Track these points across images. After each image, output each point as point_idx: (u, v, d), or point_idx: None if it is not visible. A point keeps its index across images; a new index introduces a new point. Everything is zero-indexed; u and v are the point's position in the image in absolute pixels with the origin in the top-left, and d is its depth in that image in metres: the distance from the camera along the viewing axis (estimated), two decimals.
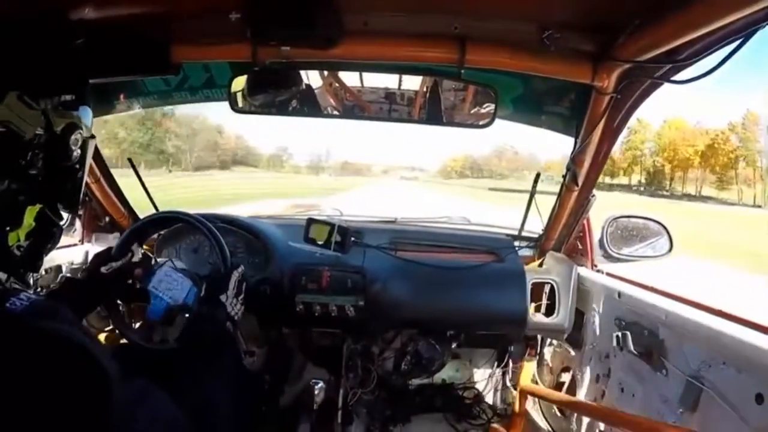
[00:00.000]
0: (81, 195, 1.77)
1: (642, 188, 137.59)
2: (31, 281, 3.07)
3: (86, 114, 1.68)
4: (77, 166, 1.66)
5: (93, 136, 1.74)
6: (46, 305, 1.31)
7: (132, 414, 1.22)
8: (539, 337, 3.87)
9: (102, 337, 3.36)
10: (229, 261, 2.80)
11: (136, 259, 2.80)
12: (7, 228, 1.47)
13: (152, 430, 1.31)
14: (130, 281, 2.73)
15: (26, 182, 1.47)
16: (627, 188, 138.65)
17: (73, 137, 1.60)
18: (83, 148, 1.66)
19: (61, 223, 1.70)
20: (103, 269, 2.61)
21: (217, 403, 1.75)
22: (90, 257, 3.42)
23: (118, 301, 2.93)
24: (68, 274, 3.44)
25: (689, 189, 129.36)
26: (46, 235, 1.64)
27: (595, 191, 3.15)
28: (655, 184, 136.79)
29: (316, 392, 3.43)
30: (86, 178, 3.11)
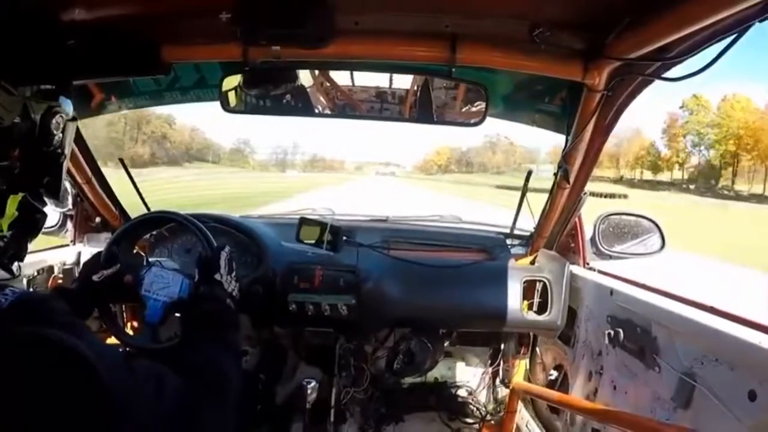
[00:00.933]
0: (63, 180, 1.75)
1: (696, 186, 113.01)
2: (25, 282, 3.08)
3: (66, 104, 1.66)
4: (59, 150, 1.64)
5: (74, 119, 1.72)
6: (34, 300, 1.29)
7: (135, 399, 1.22)
8: (531, 335, 3.89)
9: None
10: (214, 243, 2.80)
11: (124, 265, 2.79)
12: None
13: (162, 402, 1.32)
14: (122, 288, 2.73)
15: (7, 170, 1.44)
16: (675, 186, 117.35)
17: (54, 121, 1.57)
18: (64, 131, 1.64)
19: (45, 209, 1.68)
20: (94, 277, 2.60)
21: (231, 377, 1.75)
22: (82, 257, 3.44)
23: (113, 308, 2.92)
24: (60, 275, 3.45)
25: (747, 186, 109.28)
26: (30, 224, 1.62)
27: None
28: (718, 180, 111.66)
29: (309, 392, 3.42)
30: (77, 178, 3.12)
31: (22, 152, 1.48)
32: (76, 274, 3.39)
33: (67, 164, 1.74)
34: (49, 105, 1.57)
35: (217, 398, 1.61)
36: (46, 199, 1.65)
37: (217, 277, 2.49)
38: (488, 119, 2.91)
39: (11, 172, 1.45)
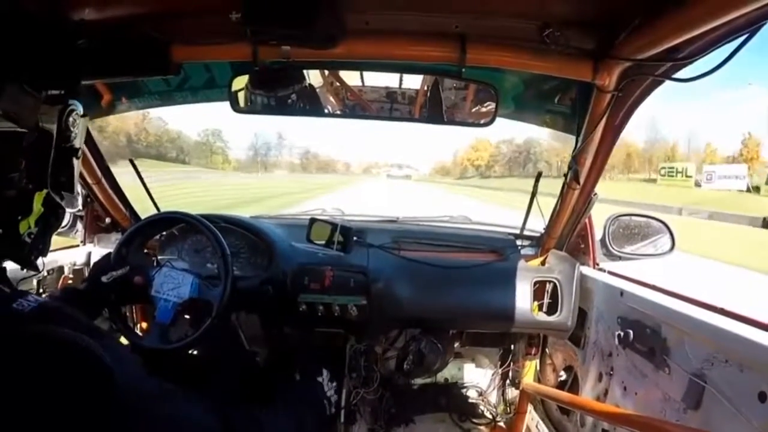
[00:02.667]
0: (77, 175, 1.77)
1: None
2: (35, 282, 3.10)
3: (77, 106, 1.68)
4: (75, 146, 1.68)
5: (85, 115, 1.74)
6: (54, 307, 1.31)
7: (147, 411, 1.23)
8: (542, 335, 3.89)
9: None
10: (230, 260, 2.80)
11: (134, 265, 2.80)
12: (19, 217, 1.48)
13: (174, 429, 1.32)
14: (132, 289, 2.75)
15: (32, 169, 1.49)
16: None
17: (71, 118, 1.62)
18: (78, 128, 1.67)
19: (63, 203, 1.70)
20: (103, 278, 2.62)
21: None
22: (92, 258, 3.45)
23: (123, 309, 2.93)
24: (70, 275, 3.46)
25: None
26: (53, 219, 1.66)
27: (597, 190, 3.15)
28: None
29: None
30: (87, 179, 3.14)
31: (43, 150, 1.52)
32: (87, 275, 3.40)
33: (80, 160, 1.77)
34: (65, 105, 1.60)
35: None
36: (63, 194, 1.67)
37: (319, 379, 2.76)
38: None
39: (35, 170, 1.50)
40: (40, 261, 1.68)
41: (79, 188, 3.25)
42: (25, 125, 1.44)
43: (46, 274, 3.22)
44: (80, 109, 1.70)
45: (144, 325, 3.87)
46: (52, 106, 1.58)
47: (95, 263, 2.85)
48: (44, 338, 1.15)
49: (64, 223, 3.62)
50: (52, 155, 1.56)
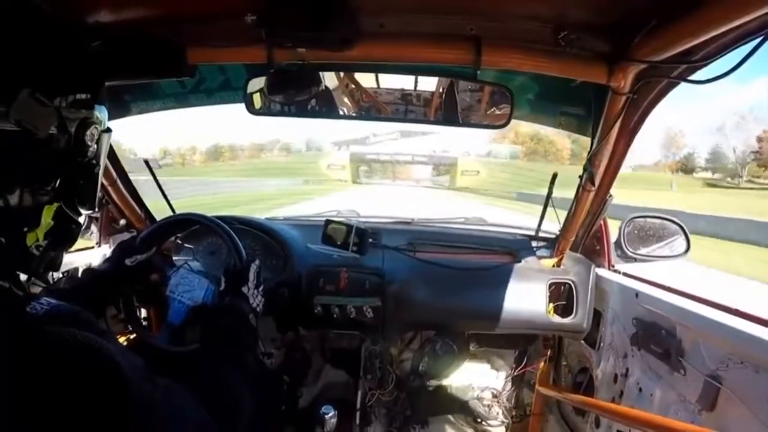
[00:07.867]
0: (98, 191, 1.75)
1: None
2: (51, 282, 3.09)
3: (102, 111, 1.66)
4: (93, 161, 1.63)
5: (109, 130, 1.72)
6: (67, 310, 1.31)
7: (156, 413, 1.24)
8: (557, 337, 3.87)
9: (121, 340, 3.34)
10: (245, 255, 2.79)
11: (152, 261, 2.79)
12: (25, 228, 1.45)
13: (178, 429, 1.33)
14: (148, 285, 2.73)
15: (42, 181, 1.45)
16: None
17: (88, 132, 1.56)
18: (99, 142, 1.65)
19: (80, 219, 1.68)
20: (127, 261, 2.60)
21: (242, 404, 1.75)
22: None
23: (136, 304, 2.92)
24: None
25: None
26: (65, 234, 1.62)
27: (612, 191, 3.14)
28: None
29: (326, 424, 3.37)
30: (102, 180, 3.14)
31: (58, 163, 1.49)
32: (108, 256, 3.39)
33: (102, 180, 1.74)
34: (84, 117, 1.58)
35: (228, 424, 1.62)
36: (80, 209, 1.66)
37: (244, 290, 2.48)
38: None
39: (46, 183, 1.47)
40: (50, 276, 1.66)
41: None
42: (42, 134, 1.40)
43: (61, 275, 3.22)
44: (104, 118, 1.68)
45: (155, 326, 3.86)
46: (78, 110, 1.57)
47: (119, 243, 2.76)
48: (58, 340, 1.15)
49: (80, 219, 3.62)
50: (64, 169, 1.52)
